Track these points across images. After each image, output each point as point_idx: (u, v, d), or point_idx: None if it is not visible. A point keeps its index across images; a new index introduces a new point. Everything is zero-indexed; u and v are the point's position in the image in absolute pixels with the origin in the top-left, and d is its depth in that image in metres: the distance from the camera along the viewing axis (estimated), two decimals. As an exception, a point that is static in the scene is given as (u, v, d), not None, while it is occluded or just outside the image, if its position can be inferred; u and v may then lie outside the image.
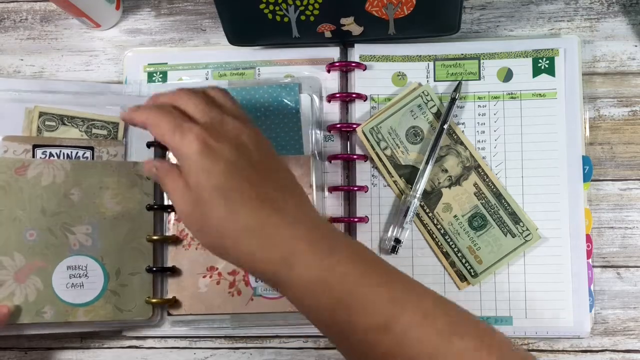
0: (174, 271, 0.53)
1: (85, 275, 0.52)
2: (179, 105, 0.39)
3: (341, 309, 0.36)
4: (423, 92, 0.54)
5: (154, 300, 0.53)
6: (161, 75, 0.57)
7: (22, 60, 0.59)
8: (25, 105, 0.47)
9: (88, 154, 0.46)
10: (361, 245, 0.39)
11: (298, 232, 0.37)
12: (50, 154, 0.46)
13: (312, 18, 0.51)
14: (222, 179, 0.36)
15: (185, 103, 0.39)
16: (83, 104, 0.50)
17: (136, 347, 0.55)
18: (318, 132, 0.55)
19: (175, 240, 0.54)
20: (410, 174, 0.53)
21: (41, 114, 0.45)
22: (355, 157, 0.54)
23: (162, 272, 0.54)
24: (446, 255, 0.53)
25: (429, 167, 0.52)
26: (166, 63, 0.57)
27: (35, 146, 0.46)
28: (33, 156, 0.46)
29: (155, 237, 0.53)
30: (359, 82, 0.55)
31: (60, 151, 0.46)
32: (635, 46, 0.56)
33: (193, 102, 0.39)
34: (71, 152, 0.46)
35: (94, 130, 0.46)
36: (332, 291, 0.36)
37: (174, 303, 0.53)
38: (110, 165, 0.53)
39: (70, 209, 0.52)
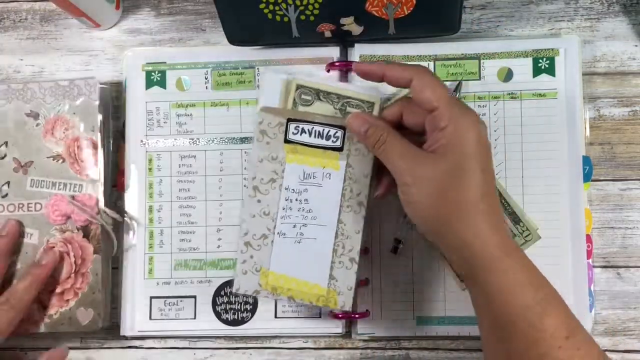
0: None
1: None
2: None
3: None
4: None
5: None
6: (159, 75, 0.57)
7: (21, 60, 0.59)
8: (281, 76, 0.46)
9: (340, 134, 0.44)
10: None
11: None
12: (303, 130, 0.44)
13: (312, 18, 0.51)
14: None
15: None
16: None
17: (136, 347, 0.55)
18: None
19: None
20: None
21: (298, 87, 0.44)
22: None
23: None
24: (446, 255, 0.53)
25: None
26: (164, 62, 0.57)
27: (289, 120, 0.44)
28: (286, 130, 0.44)
29: None
30: (359, 82, 0.55)
31: (313, 128, 0.44)
32: (636, 46, 0.56)
33: None
34: (322, 129, 0.44)
35: (348, 109, 0.44)
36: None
37: None
38: None
39: None
